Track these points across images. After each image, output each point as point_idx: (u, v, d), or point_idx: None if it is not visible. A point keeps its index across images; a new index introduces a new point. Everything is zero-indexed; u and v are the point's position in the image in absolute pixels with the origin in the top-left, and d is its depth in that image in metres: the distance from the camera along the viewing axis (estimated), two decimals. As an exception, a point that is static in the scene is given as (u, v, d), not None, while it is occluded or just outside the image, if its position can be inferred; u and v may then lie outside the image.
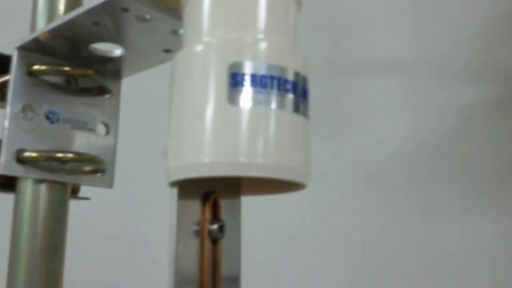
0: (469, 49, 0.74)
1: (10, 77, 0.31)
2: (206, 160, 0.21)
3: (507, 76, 0.73)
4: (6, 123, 0.30)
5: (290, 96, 0.22)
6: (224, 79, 0.21)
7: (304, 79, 0.23)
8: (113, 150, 0.35)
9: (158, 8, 0.28)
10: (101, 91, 0.35)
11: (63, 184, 0.33)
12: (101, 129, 0.35)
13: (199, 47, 0.23)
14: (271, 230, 0.70)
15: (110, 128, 0.35)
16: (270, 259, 0.69)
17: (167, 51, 0.32)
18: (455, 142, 0.71)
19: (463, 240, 0.68)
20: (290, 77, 0.22)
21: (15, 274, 0.31)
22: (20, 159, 0.31)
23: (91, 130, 0.34)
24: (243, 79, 0.21)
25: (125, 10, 0.28)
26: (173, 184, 0.23)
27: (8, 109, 0.31)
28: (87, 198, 0.36)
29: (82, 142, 0.33)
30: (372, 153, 0.69)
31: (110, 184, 0.34)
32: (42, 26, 0.34)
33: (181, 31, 0.29)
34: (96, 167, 0.33)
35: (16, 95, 0.31)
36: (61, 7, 0.35)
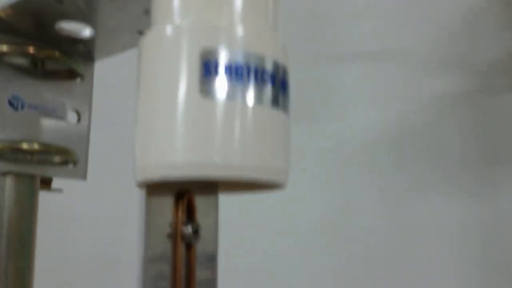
0: (445, 42, 0.76)
1: None
2: (178, 159, 0.19)
3: (478, 69, 0.75)
4: None
5: (269, 88, 0.20)
6: (196, 68, 0.19)
7: (284, 70, 0.21)
8: (86, 139, 0.33)
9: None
10: (71, 74, 0.32)
11: (31, 176, 0.30)
12: (72, 116, 0.32)
13: (168, 30, 0.20)
14: (249, 215, 0.70)
15: (81, 115, 0.33)
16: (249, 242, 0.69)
17: (141, 32, 0.29)
18: (429, 130, 0.75)
19: (433, 220, 0.71)
20: (269, 67, 0.20)
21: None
22: None
23: (61, 117, 0.32)
24: (216, 68, 0.19)
25: (92, -14, 0.25)
26: (142, 184, 0.21)
27: None
28: (60, 190, 0.33)
29: (50, 130, 0.31)
30: (347, 140, 0.71)
31: (83, 176, 0.32)
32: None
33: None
34: (67, 158, 0.31)
35: None
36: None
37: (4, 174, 0.29)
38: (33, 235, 0.30)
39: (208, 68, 0.19)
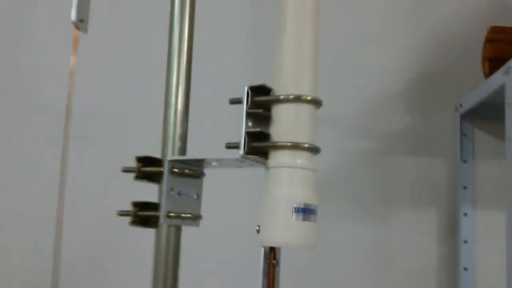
0: (363, 117, 1.22)
1: (164, 175, 0.62)
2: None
3: (383, 139, 1.21)
4: (163, 198, 0.62)
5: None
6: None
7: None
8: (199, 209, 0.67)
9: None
10: (200, 175, 0.66)
11: (180, 227, 0.65)
12: (195, 196, 0.67)
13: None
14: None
15: (199, 196, 0.67)
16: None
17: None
18: (347, 179, 1.19)
19: (345, 241, 1.16)
20: (314, 207, 0.57)
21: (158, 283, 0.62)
22: (168, 216, 0.62)
23: (191, 197, 0.66)
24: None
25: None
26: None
27: (164, 191, 0.62)
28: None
29: (190, 204, 0.65)
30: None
31: (197, 225, 0.67)
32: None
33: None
34: (196, 218, 0.66)
35: (167, 184, 0.62)
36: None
37: (171, 226, 0.63)
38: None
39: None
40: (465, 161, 1.21)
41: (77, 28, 0.69)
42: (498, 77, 0.95)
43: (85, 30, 0.70)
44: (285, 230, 0.55)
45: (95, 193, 1.23)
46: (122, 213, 0.64)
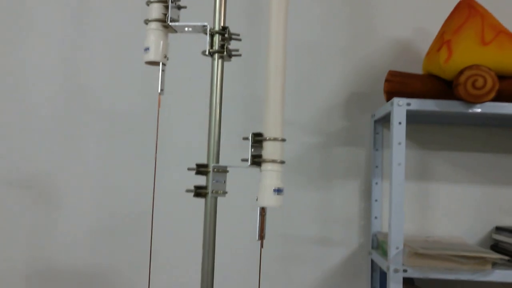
0: (313, 122, 1.92)
1: (210, 173, 1.29)
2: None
3: (326, 134, 1.91)
4: (210, 184, 1.28)
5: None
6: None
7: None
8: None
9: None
10: (226, 172, 1.33)
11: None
12: (223, 182, 1.33)
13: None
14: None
15: (225, 182, 1.34)
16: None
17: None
18: (304, 160, 1.89)
19: (297, 203, 1.89)
20: None
21: (207, 226, 1.30)
22: (212, 192, 1.28)
23: (221, 182, 1.33)
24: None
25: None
26: None
27: (210, 180, 1.28)
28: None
29: (221, 186, 1.32)
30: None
31: (224, 196, 1.34)
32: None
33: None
34: (224, 193, 1.33)
35: (213, 177, 1.29)
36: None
37: (212, 197, 1.30)
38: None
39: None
40: (377, 150, 1.91)
41: (160, 94, 1.33)
42: (388, 105, 1.63)
43: (163, 94, 1.34)
44: (269, 199, 1.22)
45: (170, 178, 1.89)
46: (188, 190, 1.30)
